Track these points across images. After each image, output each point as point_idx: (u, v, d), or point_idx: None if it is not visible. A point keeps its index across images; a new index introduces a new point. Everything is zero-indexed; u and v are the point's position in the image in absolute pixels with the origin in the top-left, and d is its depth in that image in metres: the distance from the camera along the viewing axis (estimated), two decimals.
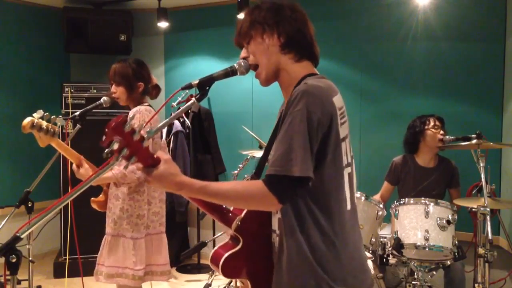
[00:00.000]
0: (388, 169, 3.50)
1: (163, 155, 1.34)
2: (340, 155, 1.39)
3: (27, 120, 2.28)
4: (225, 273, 1.48)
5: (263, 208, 1.38)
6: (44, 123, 2.29)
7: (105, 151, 1.22)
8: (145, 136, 1.28)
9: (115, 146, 1.22)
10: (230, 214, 1.49)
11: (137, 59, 2.68)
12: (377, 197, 3.43)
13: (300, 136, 1.29)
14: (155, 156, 1.32)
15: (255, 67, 1.50)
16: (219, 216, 1.49)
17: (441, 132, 3.28)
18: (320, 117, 1.31)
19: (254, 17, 1.47)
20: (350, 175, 1.43)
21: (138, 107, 2.48)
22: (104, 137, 1.22)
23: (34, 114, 2.31)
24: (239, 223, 1.46)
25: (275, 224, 1.47)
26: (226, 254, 1.47)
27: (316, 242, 1.37)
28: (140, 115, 2.41)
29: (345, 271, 1.39)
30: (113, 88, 2.57)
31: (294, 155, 1.28)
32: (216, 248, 1.53)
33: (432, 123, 3.29)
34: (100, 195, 2.57)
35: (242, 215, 1.47)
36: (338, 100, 1.40)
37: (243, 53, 1.52)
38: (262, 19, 1.46)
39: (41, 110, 2.34)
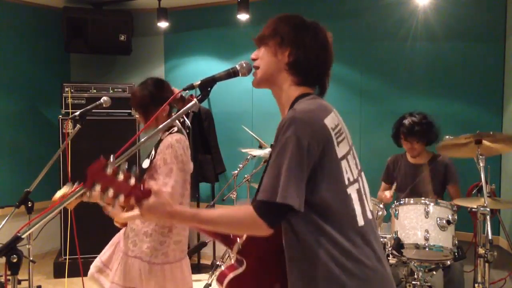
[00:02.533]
0: (384, 169, 3.56)
1: (153, 185, 1.36)
2: (340, 175, 1.36)
3: (59, 194, 2.36)
4: None
5: (254, 233, 1.37)
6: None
7: (88, 194, 1.26)
8: (132, 173, 1.30)
9: (97, 187, 1.25)
10: (232, 236, 1.50)
11: (156, 80, 2.48)
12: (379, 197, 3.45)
13: (288, 163, 1.29)
14: (145, 188, 1.33)
15: (256, 68, 1.51)
16: (221, 238, 1.51)
17: (410, 147, 3.31)
18: (310, 142, 1.30)
19: (278, 28, 1.48)
20: (358, 191, 1.40)
21: (169, 139, 2.31)
22: (85, 181, 1.25)
23: (64, 188, 2.40)
24: (241, 246, 1.48)
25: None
26: (230, 276, 1.48)
27: (324, 262, 1.34)
28: (172, 150, 2.28)
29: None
30: (137, 114, 2.49)
31: (279, 182, 1.28)
32: (222, 269, 1.58)
33: (403, 132, 3.31)
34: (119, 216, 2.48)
35: (244, 237, 1.48)
36: (331, 120, 1.37)
37: (254, 53, 1.53)
38: (283, 33, 1.46)
39: (70, 183, 2.42)
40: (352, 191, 1.38)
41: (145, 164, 2.33)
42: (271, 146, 1.47)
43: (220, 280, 1.51)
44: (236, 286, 1.48)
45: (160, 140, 2.35)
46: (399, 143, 3.43)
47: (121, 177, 1.27)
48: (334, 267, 1.32)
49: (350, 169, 1.40)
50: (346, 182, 1.37)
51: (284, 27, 1.47)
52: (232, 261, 1.58)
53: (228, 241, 1.50)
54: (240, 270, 1.48)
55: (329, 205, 1.34)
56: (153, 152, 2.35)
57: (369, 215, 1.43)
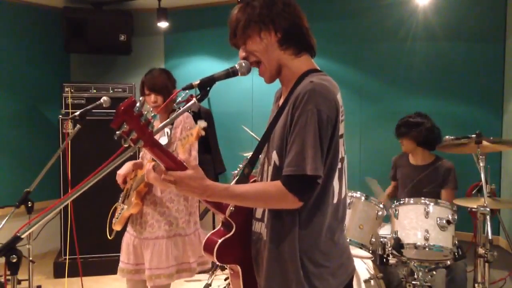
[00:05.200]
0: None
1: (191, 161, 1.39)
2: (337, 151, 1.42)
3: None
4: (220, 259, 1.50)
5: (284, 206, 1.39)
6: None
7: (116, 133, 1.27)
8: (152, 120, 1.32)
9: (125, 128, 1.27)
10: (224, 204, 1.51)
11: (164, 69, 2.69)
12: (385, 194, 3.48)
13: (312, 136, 1.33)
14: (181, 160, 1.37)
15: (257, 63, 1.50)
16: (213, 205, 1.51)
17: (403, 141, 3.37)
18: (329, 115, 1.35)
19: (248, 16, 1.45)
20: (340, 170, 1.45)
21: (181, 117, 2.46)
22: (113, 119, 1.26)
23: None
24: (233, 209, 1.49)
25: (259, 213, 1.51)
26: (220, 240, 1.49)
27: (304, 233, 1.41)
28: (191, 120, 2.49)
29: (332, 261, 1.44)
30: (153, 98, 2.53)
31: (306, 154, 1.32)
32: (208, 235, 1.55)
33: (397, 133, 3.39)
34: (135, 199, 2.49)
35: None
36: (340, 98, 1.43)
37: (241, 53, 1.51)
38: (257, 18, 1.44)
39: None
40: (336, 169, 1.44)
41: (163, 141, 2.39)
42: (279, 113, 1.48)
43: (209, 247, 1.51)
44: (225, 250, 1.50)
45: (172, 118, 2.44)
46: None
47: (144, 121, 1.29)
48: (305, 234, 1.40)
49: (343, 148, 1.46)
50: (338, 160, 1.43)
51: (254, 12, 1.45)
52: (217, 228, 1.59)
53: (218, 205, 1.50)
54: (229, 233, 1.50)
55: (323, 180, 1.39)
56: (166, 130, 2.41)
57: (343, 195, 1.49)
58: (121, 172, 2.61)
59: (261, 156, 1.54)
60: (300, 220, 1.40)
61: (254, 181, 1.58)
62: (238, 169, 4.02)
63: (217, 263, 1.50)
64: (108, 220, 2.63)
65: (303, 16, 1.50)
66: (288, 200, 1.34)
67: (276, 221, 1.43)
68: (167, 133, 2.43)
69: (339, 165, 1.44)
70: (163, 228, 2.46)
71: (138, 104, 1.28)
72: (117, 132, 1.27)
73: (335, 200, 1.44)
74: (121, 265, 2.57)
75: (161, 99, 2.52)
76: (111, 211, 2.64)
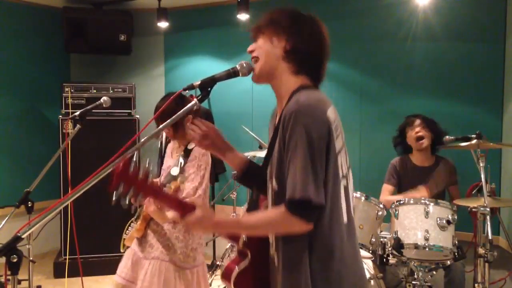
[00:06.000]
0: (387, 172, 3.49)
1: (198, 201, 1.40)
2: (337, 169, 1.38)
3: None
4: (238, 287, 1.52)
5: (294, 231, 1.36)
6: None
7: (114, 197, 1.31)
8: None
9: (121, 189, 1.31)
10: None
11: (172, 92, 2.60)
12: (381, 200, 3.39)
13: (303, 159, 1.30)
14: (189, 203, 1.41)
15: (256, 60, 1.50)
16: (226, 234, 1.55)
17: (416, 130, 3.30)
18: (319, 133, 1.32)
19: (273, 17, 1.48)
20: (345, 188, 1.42)
21: (197, 152, 2.42)
22: (111, 182, 1.30)
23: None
24: (245, 239, 1.51)
25: (271, 238, 1.50)
26: (237, 269, 1.51)
27: (312, 256, 1.38)
28: (207, 158, 2.43)
29: (343, 282, 1.40)
30: (166, 130, 2.49)
31: (297, 179, 1.30)
32: (226, 263, 1.58)
33: (411, 124, 3.32)
34: (139, 225, 2.51)
35: None
36: (332, 113, 1.38)
37: (250, 46, 1.52)
38: (279, 21, 1.46)
39: None
40: (341, 186, 1.41)
41: (174, 171, 2.38)
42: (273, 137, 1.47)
43: (226, 275, 1.53)
44: (242, 278, 1.51)
45: (190, 150, 2.42)
46: (402, 147, 3.42)
47: (143, 177, 1.33)
48: (315, 268, 1.37)
49: (342, 164, 1.41)
50: (340, 177, 1.40)
51: (280, 16, 1.47)
52: (233, 256, 1.61)
53: (233, 237, 1.54)
54: (245, 262, 1.51)
55: (326, 199, 1.36)
56: (181, 160, 2.39)
57: (352, 213, 1.46)
58: None
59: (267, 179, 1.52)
60: (311, 242, 1.37)
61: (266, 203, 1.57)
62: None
63: None
64: (123, 234, 2.67)
65: (327, 47, 1.48)
66: (295, 224, 1.32)
67: (286, 245, 1.42)
68: (181, 164, 2.42)
69: (344, 183, 1.41)
70: (160, 250, 2.43)
71: (133, 163, 1.31)
72: (114, 195, 1.31)
73: (345, 220, 1.41)
74: (115, 276, 2.56)
75: (171, 127, 2.44)
76: (127, 225, 2.66)
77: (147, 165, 1.35)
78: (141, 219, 2.51)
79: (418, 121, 3.32)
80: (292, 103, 1.35)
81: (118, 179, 1.29)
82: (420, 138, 3.30)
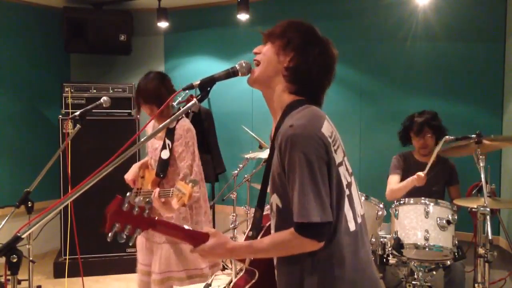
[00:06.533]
0: (391, 165, 3.45)
1: (209, 229, 1.43)
2: (340, 182, 1.38)
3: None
4: None
5: (306, 250, 1.36)
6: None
7: (109, 236, 1.31)
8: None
9: (117, 228, 1.31)
10: None
11: (159, 72, 2.61)
12: (388, 192, 3.36)
13: (307, 182, 1.30)
14: (201, 232, 1.41)
15: (257, 63, 1.50)
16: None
17: (424, 141, 3.29)
18: (317, 154, 1.32)
19: (288, 30, 1.46)
20: (349, 196, 1.42)
21: (184, 123, 2.45)
22: (104, 224, 1.31)
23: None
24: (252, 257, 1.52)
25: (274, 259, 1.51)
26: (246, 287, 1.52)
27: (319, 268, 1.38)
28: (192, 133, 2.46)
29: None
30: (148, 110, 2.51)
31: (307, 203, 1.30)
32: (235, 280, 1.59)
33: (414, 129, 3.30)
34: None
35: None
36: (326, 128, 1.38)
37: (257, 47, 1.52)
38: (291, 36, 1.45)
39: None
40: (345, 197, 1.40)
41: (165, 154, 2.41)
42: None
43: None
44: None
45: (173, 129, 2.43)
46: (407, 141, 3.41)
47: (137, 211, 1.34)
48: (322, 274, 1.37)
49: (345, 174, 1.41)
50: (344, 188, 1.39)
51: (294, 31, 1.46)
52: (241, 274, 1.62)
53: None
54: (253, 281, 1.53)
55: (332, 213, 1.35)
56: (168, 142, 2.40)
57: (359, 219, 1.45)
58: (129, 177, 2.62)
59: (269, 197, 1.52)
60: (314, 255, 1.37)
61: (270, 224, 1.56)
62: (238, 169, 4.03)
63: None
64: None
65: (331, 74, 1.47)
66: (307, 244, 1.33)
67: (283, 262, 1.44)
68: (168, 145, 2.42)
69: (347, 192, 1.41)
70: None
71: (126, 201, 1.32)
72: (109, 235, 1.31)
73: (352, 228, 1.40)
74: (138, 265, 2.61)
75: (155, 108, 2.49)
76: None
77: (137, 199, 1.37)
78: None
79: (428, 135, 3.28)
80: (286, 127, 1.35)
81: (112, 220, 1.30)
82: (425, 147, 3.31)
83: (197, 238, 1.40)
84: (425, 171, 3.06)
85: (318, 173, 1.31)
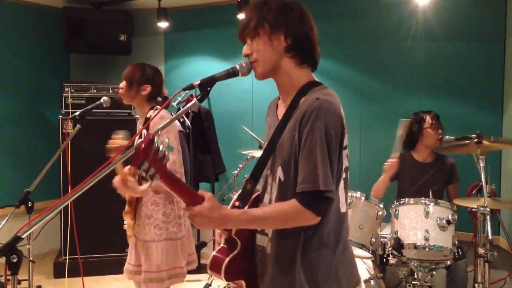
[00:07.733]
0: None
1: (205, 193, 1.39)
2: (342, 163, 1.44)
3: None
4: (227, 277, 1.49)
5: (302, 224, 1.39)
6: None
7: (138, 172, 1.27)
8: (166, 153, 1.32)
9: (145, 165, 1.27)
10: None
11: (154, 66, 2.66)
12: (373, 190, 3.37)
13: (322, 152, 1.35)
14: (199, 194, 1.38)
15: (255, 62, 1.49)
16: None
17: (439, 131, 3.28)
18: (336, 131, 1.38)
19: (263, 16, 1.45)
20: (345, 180, 1.48)
21: (161, 113, 2.41)
22: (134, 159, 1.27)
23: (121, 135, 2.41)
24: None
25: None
26: (228, 259, 1.48)
27: (309, 245, 1.42)
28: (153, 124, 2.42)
29: (340, 271, 1.45)
30: (121, 84, 2.54)
31: (319, 171, 1.34)
32: (213, 254, 1.53)
33: (429, 122, 3.29)
34: (126, 207, 2.51)
35: None
36: (342, 110, 1.45)
37: (245, 49, 1.50)
38: (271, 19, 1.44)
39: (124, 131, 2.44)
40: (341, 179, 1.46)
41: None
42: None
43: (216, 266, 1.49)
44: (232, 268, 1.49)
45: (147, 119, 2.43)
46: (412, 146, 3.38)
47: (161, 154, 1.30)
48: (312, 250, 1.42)
49: (346, 158, 1.48)
50: (343, 170, 1.45)
51: (269, 13, 1.45)
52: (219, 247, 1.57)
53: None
54: (235, 251, 1.50)
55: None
56: (144, 132, 2.38)
57: (346, 205, 1.51)
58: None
59: (264, 170, 1.52)
60: (306, 231, 1.41)
61: (257, 196, 1.56)
62: (238, 169, 4.03)
63: (225, 281, 1.50)
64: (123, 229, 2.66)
65: (315, 30, 1.50)
66: (306, 217, 1.35)
67: (281, 235, 1.45)
68: (145, 135, 2.41)
69: (344, 175, 1.46)
70: (152, 232, 2.43)
71: (156, 140, 1.28)
72: (138, 171, 1.27)
73: (343, 209, 1.46)
74: (125, 266, 2.58)
75: (125, 86, 2.50)
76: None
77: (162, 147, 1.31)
78: (127, 202, 2.49)
79: (435, 122, 3.28)
80: (311, 100, 1.39)
81: (143, 156, 1.25)
82: (441, 138, 3.28)
83: (194, 198, 1.36)
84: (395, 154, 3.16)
85: (333, 148, 1.37)
